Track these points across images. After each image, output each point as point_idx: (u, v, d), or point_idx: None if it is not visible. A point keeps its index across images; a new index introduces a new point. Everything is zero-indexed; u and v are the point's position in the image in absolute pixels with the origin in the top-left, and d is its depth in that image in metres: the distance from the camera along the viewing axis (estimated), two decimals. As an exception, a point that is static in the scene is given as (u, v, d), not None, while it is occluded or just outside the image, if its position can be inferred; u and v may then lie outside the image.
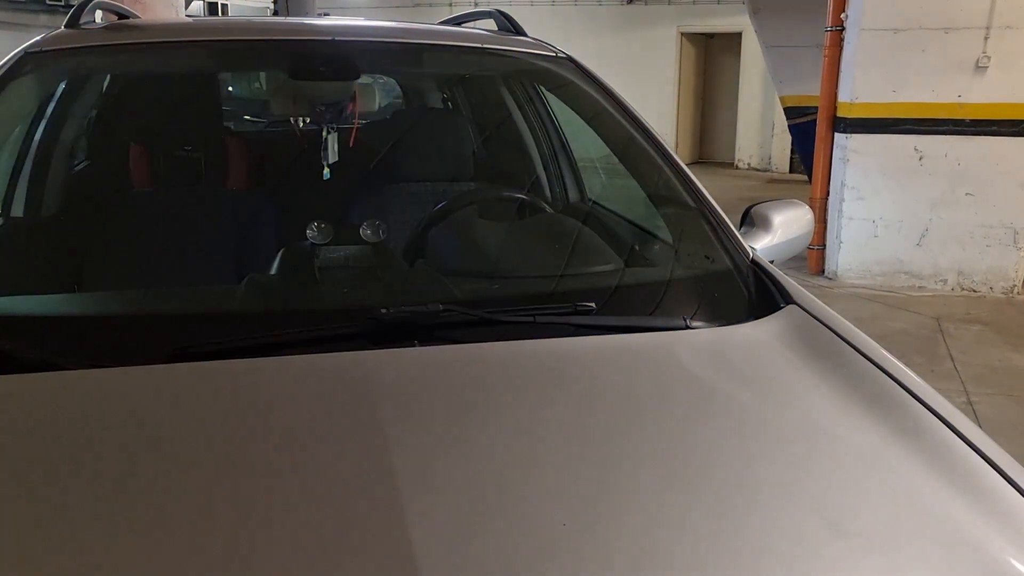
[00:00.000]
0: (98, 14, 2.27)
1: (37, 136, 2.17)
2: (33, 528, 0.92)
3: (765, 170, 13.02)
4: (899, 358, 1.37)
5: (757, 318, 1.47)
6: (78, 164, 2.30)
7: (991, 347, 4.83)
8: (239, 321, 1.40)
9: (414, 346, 1.29)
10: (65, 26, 1.95)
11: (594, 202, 2.54)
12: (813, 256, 6.33)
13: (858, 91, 5.88)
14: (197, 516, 0.93)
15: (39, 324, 1.38)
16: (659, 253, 1.87)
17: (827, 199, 6.27)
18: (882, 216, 5.99)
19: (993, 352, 4.75)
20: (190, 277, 1.68)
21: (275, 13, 11.03)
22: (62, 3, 11.00)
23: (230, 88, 4.60)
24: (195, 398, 1.16)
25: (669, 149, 1.89)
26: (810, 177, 6.82)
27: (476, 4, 10.93)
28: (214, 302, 1.50)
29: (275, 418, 1.12)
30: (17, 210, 2.12)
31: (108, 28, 2.01)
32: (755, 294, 1.57)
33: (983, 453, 1.15)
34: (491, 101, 2.78)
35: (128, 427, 1.09)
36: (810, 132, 6.77)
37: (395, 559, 0.87)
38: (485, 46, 2.10)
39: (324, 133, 2.10)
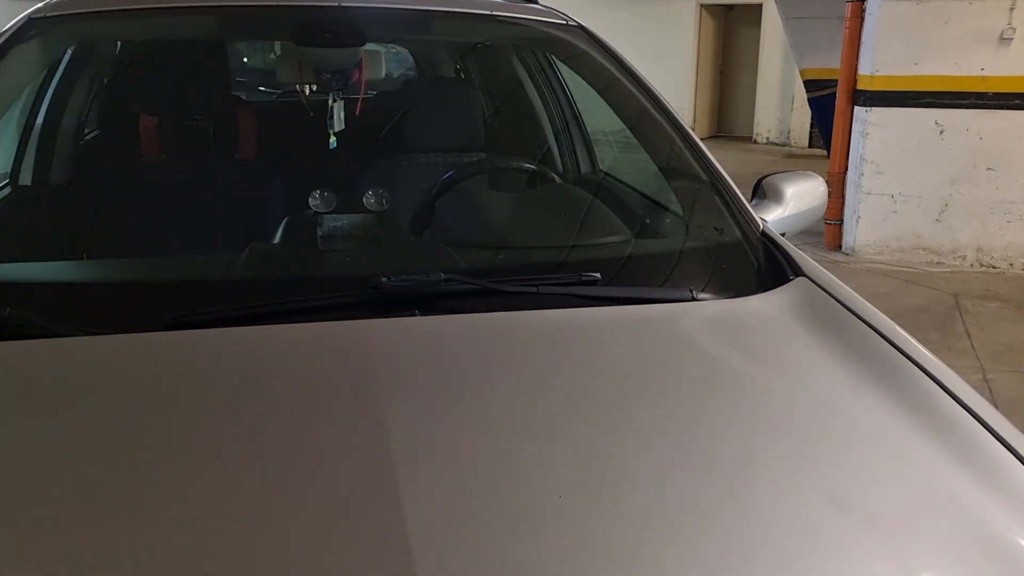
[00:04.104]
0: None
1: (44, 104, 2.16)
2: (28, 494, 0.91)
3: (784, 144, 12.88)
4: (915, 334, 1.34)
5: (766, 290, 1.45)
6: (88, 133, 2.29)
7: (1009, 324, 4.78)
8: (239, 289, 1.39)
9: (415, 315, 1.27)
10: None
11: (605, 173, 2.51)
12: (830, 231, 6.27)
13: (879, 64, 5.77)
14: (190, 484, 0.93)
15: (41, 291, 1.38)
16: (668, 225, 1.84)
17: (845, 173, 6.18)
18: (901, 191, 5.91)
19: (1011, 329, 4.69)
20: (194, 245, 1.67)
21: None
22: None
23: (244, 59, 4.56)
24: (193, 366, 1.16)
25: (679, 119, 1.86)
26: (829, 151, 6.73)
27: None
28: (215, 270, 1.49)
29: (272, 387, 1.11)
30: (25, 179, 2.12)
31: None
32: (764, 266, 1.54)
33: (992, 429, 1.12)
34: (502, 70, 2.74)
35: (125, 394, 1.09)
36: (829, 106, 6.67)
37: (388, 534, 0.86)
38: (494, 13, 2.07)
39: (331, 102, 2.08)
